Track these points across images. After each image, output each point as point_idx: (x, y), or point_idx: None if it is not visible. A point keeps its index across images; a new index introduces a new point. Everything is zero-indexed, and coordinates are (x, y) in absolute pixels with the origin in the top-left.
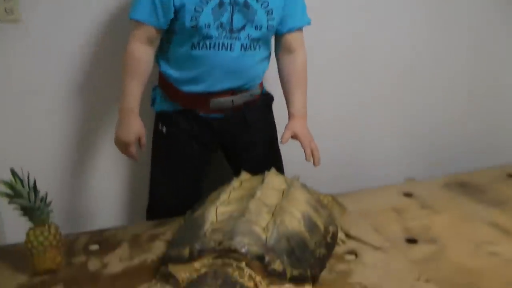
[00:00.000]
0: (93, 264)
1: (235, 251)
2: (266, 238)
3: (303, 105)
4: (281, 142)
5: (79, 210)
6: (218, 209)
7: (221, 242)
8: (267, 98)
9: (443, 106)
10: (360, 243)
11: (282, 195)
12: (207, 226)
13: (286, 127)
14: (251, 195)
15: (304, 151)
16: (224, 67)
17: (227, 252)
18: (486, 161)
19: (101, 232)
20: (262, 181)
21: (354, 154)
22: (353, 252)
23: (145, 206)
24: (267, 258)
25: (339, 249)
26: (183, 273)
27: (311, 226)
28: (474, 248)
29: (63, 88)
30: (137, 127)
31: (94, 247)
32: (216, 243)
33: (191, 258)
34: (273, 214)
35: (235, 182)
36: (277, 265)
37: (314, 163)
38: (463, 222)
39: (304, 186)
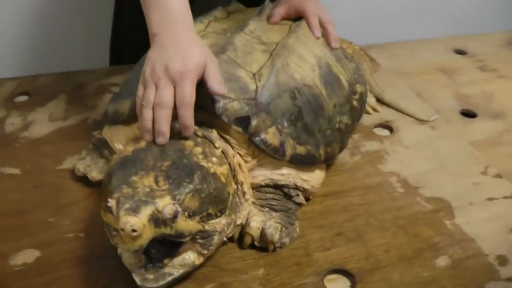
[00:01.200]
0: (13, 123)
1: (202, 108)
2: (257, 89)
3: None
4: (269, 22)
5: (14, 50)
6: None
7: None
8: None
9: None
10: (398, 112)
11: (289, 31)
12: None
13: (275, 4)
14: (240, 27)
15: (309, 24)
16: None
17: None
18: None
19: (34, 78)
20: (260, 12)
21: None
22: (388, 126)
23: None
24: (254, 122)
25: (368, 119)
26: (119, 140)
27: (331, 79)
28: None
29: None
30: (199, 49)
31: (22, 98)
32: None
33: (132, 116)
34: (271, 55)
35: (219, 12)
36: (270, 135)
37: (329, 43)
38: None
39: None
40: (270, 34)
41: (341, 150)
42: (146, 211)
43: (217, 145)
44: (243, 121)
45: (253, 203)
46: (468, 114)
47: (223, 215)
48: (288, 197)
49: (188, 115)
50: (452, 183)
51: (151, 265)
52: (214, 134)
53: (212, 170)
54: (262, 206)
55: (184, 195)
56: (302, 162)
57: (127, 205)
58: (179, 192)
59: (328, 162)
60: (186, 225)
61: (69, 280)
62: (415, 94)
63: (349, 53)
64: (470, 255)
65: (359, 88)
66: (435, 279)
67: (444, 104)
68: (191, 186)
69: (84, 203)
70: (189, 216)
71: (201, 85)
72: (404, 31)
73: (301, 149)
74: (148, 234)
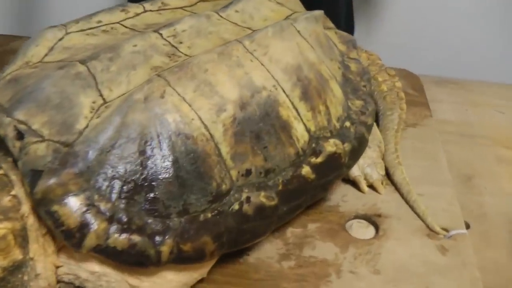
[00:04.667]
0: None
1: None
2: (84, 130)
3: None
4: None
5: None
6: (67, 40)
7: None
8: None
9: None
10: (403, 204)
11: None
12: (10, 71)
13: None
14: (165, 24)
15: None
16: None
17: None
18: None
19: None
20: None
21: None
22: (374, 222)
23: None
24: (43, 185)
25: (351, 201)
26: None
27: (263, 127)
28: None
29: None
30: None
31: None
32: None
33: None
34: (158, 75)
35: None
36: (66, 209)
37: None
38: None
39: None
40: (204, 41)
41: (228, 246)
42: None
43: (13, 192)
44: (35, 178)
45: None
46: None
47: None
48: None
49: None
50: None
51: None
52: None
53: None
54: None
55: None
56: (119, 260)
57: None
58: None
59: (186, 263)
60: None
61: None
62: (460, 182)
63: (381, 90)
64: None
65: (331, 146)
66: None
67: (494, 211)
68: None
69: None
70: None
71: (20, 101)
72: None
73: (119, 241)
74: None
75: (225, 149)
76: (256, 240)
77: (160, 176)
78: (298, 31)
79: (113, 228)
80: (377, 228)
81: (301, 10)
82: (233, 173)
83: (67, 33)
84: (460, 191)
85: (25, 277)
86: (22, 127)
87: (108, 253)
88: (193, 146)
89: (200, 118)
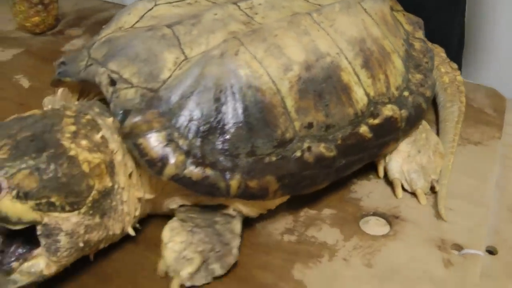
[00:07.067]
0: None
1: (98, 84)
2: (168, 79)
3: None
4: None
5: None
6: (155, 10)
7: (87, 67)
8: None
9: None
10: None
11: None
12: (105, 33)
13: None
14: None
15: None
16: None
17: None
18: None
19: None
20: None
21: None
22: (390, 221)
23: None
24: (131, 120)
25: (373, 201)
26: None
27: (325, 88)
28: None
29: None
30: None
31: None
32: (82, 68)
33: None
34: (235, 37)
35: None
36: (149, 142)
37: None
38: None
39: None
40: (277, 14)
41: (290, 189)
42: None
43: (101, 133)
44: (124, 116)
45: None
46: None
47: (75, 211)
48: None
49: None
50: None
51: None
52: (108, 121)
53: (72, 152)
54: (183, 220)
55: (17, 170)
56: (195, 189)
57: None
58: (12, 164)
59: (251, 199)
60: (13, 207)
61: None
62: (508, 209)
63: (443, 81)
64: None
65: (388, 111)
66: None
67: None
68: (31, 162)
69: None
70: (19, 197)
71: (113, 56)
72: None
73: (194, 172)
74: None
75: (290, 103)
76: (315, 188)
77: (231, 121)
78: (365, 9)
79: (189, 161)
80: (390, 224)
81: None
82: (297, 124)
83: (156, 5)
84: (503, 218)
85: (113, 203)
86: (114, 75)
87: (184, 182)
88: (262, 97)
89: (268, 74)
